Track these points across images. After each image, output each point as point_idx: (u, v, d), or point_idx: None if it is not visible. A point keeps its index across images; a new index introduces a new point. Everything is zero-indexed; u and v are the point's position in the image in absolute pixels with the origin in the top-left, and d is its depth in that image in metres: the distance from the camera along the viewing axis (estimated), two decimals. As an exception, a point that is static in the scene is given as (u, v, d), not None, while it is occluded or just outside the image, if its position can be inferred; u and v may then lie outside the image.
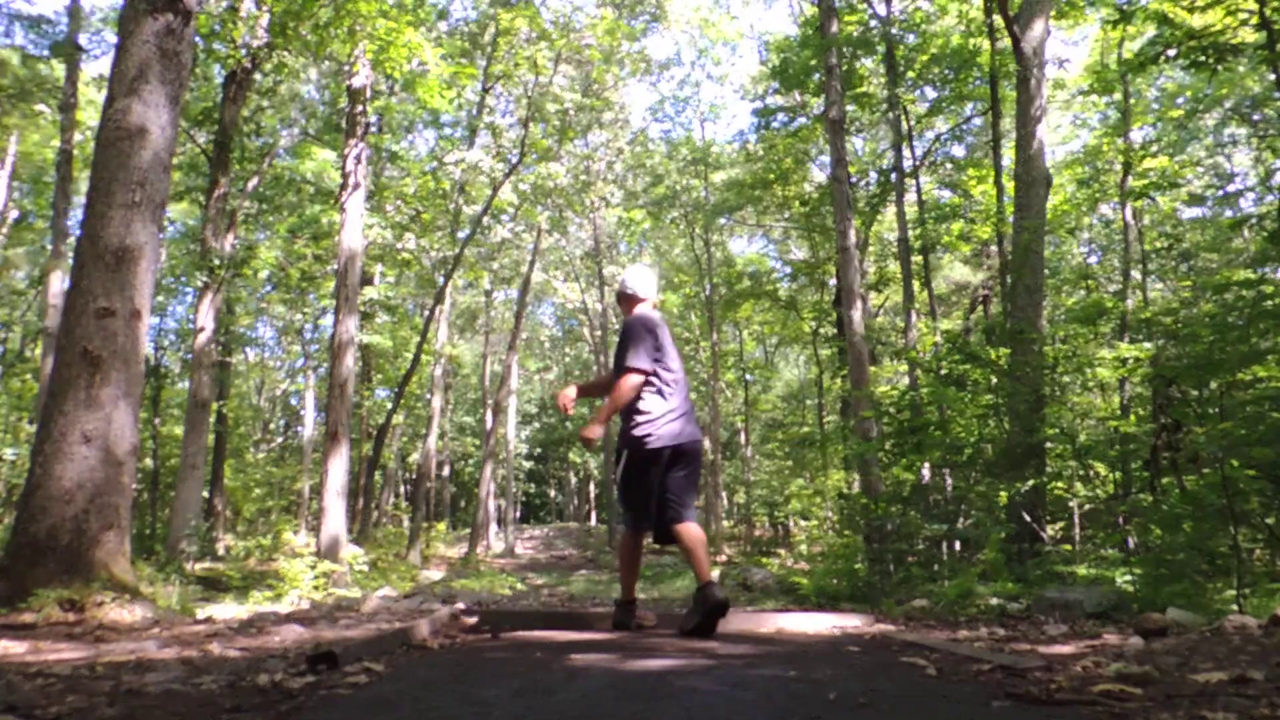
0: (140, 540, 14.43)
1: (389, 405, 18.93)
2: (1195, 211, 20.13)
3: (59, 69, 14.73)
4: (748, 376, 27.28)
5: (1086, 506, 8.50)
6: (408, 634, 3.40)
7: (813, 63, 15.08)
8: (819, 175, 19.90)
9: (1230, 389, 5.70)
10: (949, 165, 19.35)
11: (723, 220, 22.82)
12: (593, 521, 39.52)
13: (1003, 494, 7.23)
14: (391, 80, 14.84)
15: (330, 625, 4.35)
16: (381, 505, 23.29)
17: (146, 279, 4.87)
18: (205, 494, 15.68)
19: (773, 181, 19.36)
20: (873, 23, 15.59)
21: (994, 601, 5.00)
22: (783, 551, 18.08)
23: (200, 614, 5.26)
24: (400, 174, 18.28)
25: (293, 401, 30.95)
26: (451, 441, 31.19)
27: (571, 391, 4.32)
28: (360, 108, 11.93)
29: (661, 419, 3.94)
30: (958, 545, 8.45)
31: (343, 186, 11.75)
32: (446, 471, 29.17)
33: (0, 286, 21.36)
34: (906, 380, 16.33)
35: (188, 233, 19.40)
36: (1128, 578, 5.37)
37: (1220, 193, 20.09)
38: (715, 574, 4.28)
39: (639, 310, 4.21)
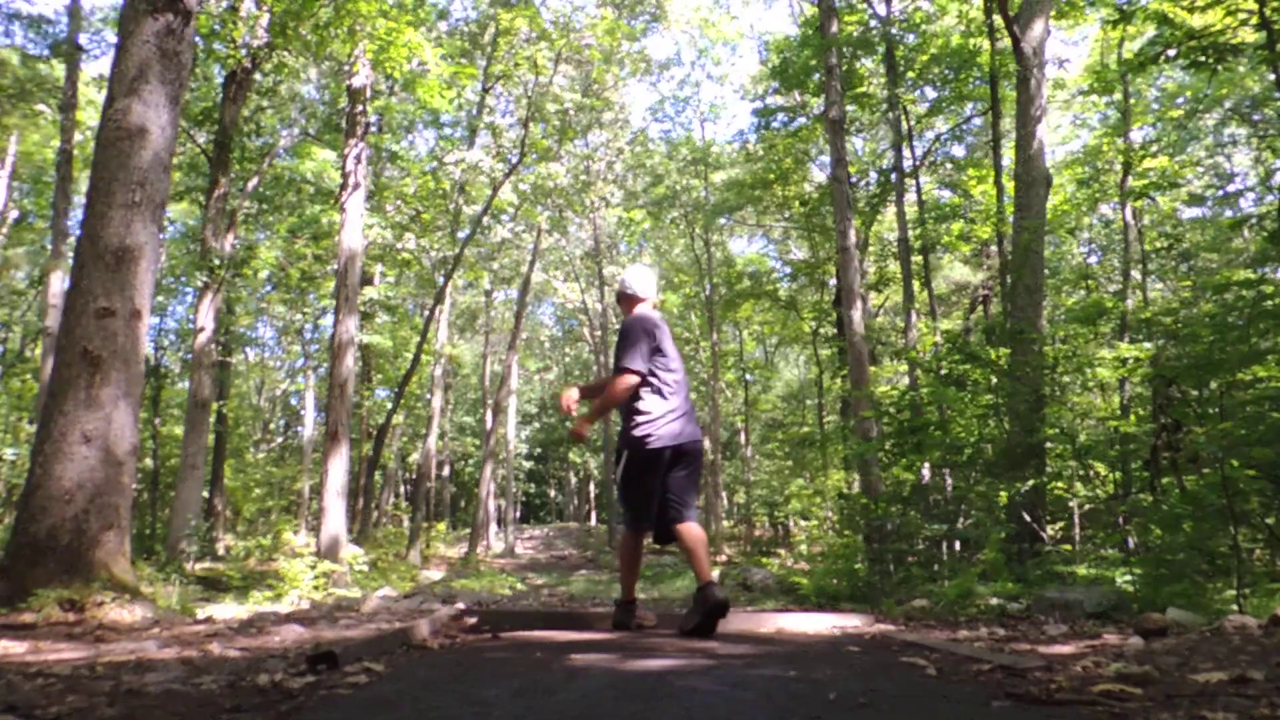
0: (140, 540, 14.44)
1: (389, 405, 18.93)
2: (1195, 211, 20.14)
3: (59, 69, 14.73)
4: (748, 376, 27.28)
5: (1086, 506, 8.50)
6: (408, 634, 3.40)
7: (813, 63, 15.08)
8: (819, 175, 19.90)
9: (1230, 389, 5.70)
10: (949, 165, 19.35)
11: (723, 220, 22.83)
12: (593, 521, 39.52)
13: (1003, 494, 7.23)
14: (391, 80, 14.85)
15: (330, 625, 4.36)
16: (381, 505, 23.29)
17: (146, 279, 4.87)
18: (205, 494, 15.68)
19: (773, 181, 19.37)
20: (873, 23, 15.60)
21: (994, 601, 5.00)
22: (783, 551, 18.08)
23: (200, 614, 5.26)
24: (400, 174, 18.28)
25: (293, 401, 30.96)
26: (451, 441, 31.20)
27: (573, 393, 4.32)
28: (360, 108, 11.93)
29: (662, 419, 3.94)
30: (958, 545, 8.45)
31: (343, 186, 11.75)
32: (446, 471, 29.17)
33: (0, 286, 21.36)
34: (906, 380, 16.33)
35: (188, 233, 19.40)
36: (1128, 578, 5.37)
37: (1220, 193, 20.10)
38: (715, 574, 4.27)
39: (639, 310, 4.20)
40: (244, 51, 11.41)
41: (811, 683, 2.38)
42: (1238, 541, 4.83)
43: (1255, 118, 17.40)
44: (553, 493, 49.57)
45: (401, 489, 30.20)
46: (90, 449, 4.49)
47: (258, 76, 12.58)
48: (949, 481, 9.84)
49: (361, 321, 14.39)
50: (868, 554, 8.22)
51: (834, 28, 12.39)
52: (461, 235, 17.78)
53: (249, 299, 22.05)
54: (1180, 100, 17.39)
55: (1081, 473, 7.64)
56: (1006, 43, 10.58)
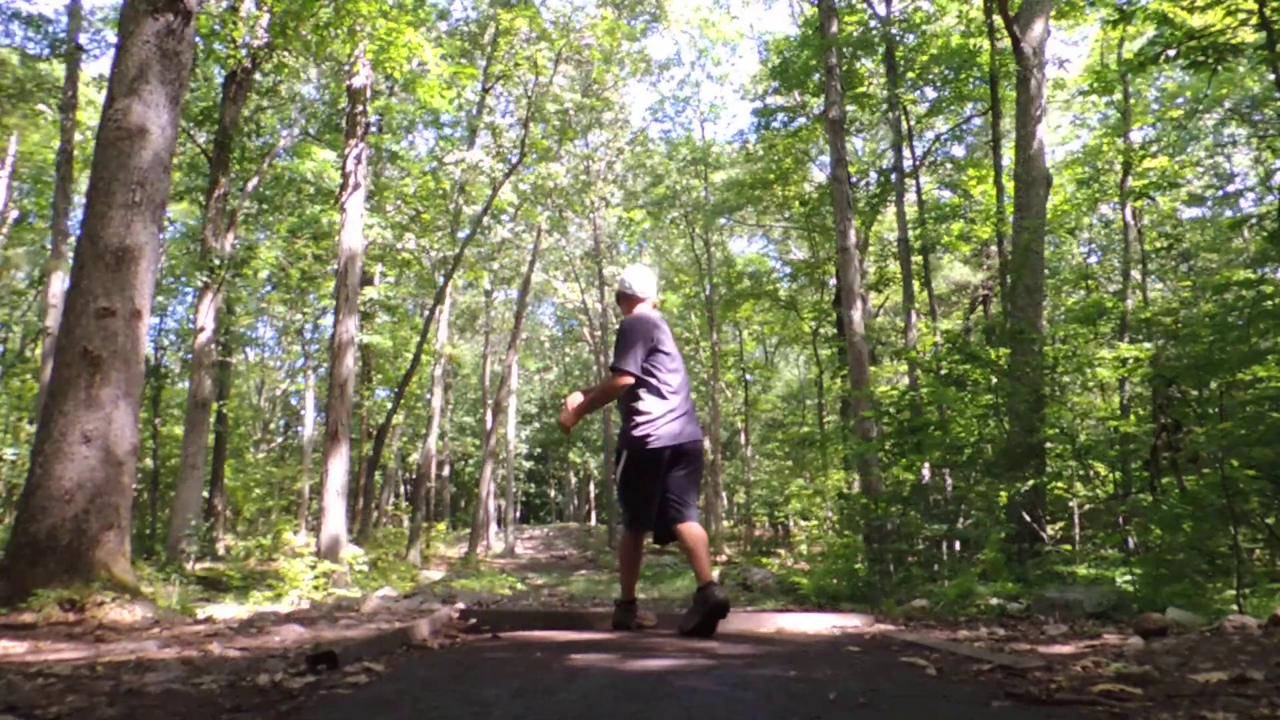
0: (140, 540, 14.44)
1: (389, 405, 18.93)
2: (1195, 211, 20.15)
3: (59, 69, 14.73)
4: (748, 376, 27.29)
5: (1086, 506, 8.50)
6: (408, 634, 3.40)
7: (813, 63, 15.09)
8: (819, 175, 19.91)
9: (1230, 389, 5.69)
10: (949, 165, 19.36)
11: (723, 220, 22.83)
12: (593, 521, 39.53)
13: (1003, 494, 7.23)
14: (391, 80, 14.84)
15: (330, 625, 4.36)
16: (381, 505, 23.29)
17: (146, 279, 4.87)
18: (205, 494, 15.68)
19: (773, 181, 19.37)
20: (873, 23, 15.60)
21: (994, 601, 5.00)
22: (783, 551, 18.08)
23: (200, 614, 5.26)
24: (400, 174, 18.28)
25: (293, 401, 30.96)
26: (451, 441, 31.20)
27: (577, 397, 4.28)
28: (360, 108, 11.93)
29: (661, 419, 3.94)
30: (958, 545, 8.45)
31: (343, 186, 11.75)
32: (446, 471, 29.17)
33: (0, 286, 21.36)
34: (906, 380, 16.33)
35: (188, 233, 19.40)
36: (1128, 578, 5.37)
37: (1220, 193, 20.09)
38: (715, 574, 4.27)
39: (638, 310, 4.21)
40: (244, 51, 11.41)
41: (811, 683, 2.38)
42: (1238, 541, 4.83)
43: (1255, 118, 17.39)
44: (553, 493, 49.58)
45: (401, 489, 30.20)
46: (90, 449, 4.49)
47: (258, 76, 12.58)
48: (949, 481, 9.85)
49: (361, 321, 14.39)
50: (868, 554, 8.22)
51: (834, 28, 12.39)
52: (461, 235, 17.78)
53: (249, 299, 22.05)
54: (1180, 100, 17.39)
55: (1081, 473, 7.64)
56: (1006, 43, 10.58)
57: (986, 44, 13.18)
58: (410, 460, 28.32)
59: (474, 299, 28.86)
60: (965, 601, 5.12)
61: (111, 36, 14.38)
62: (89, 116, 15.56)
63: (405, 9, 11.64)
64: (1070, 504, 8.55)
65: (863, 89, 16.04)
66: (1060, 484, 7.86)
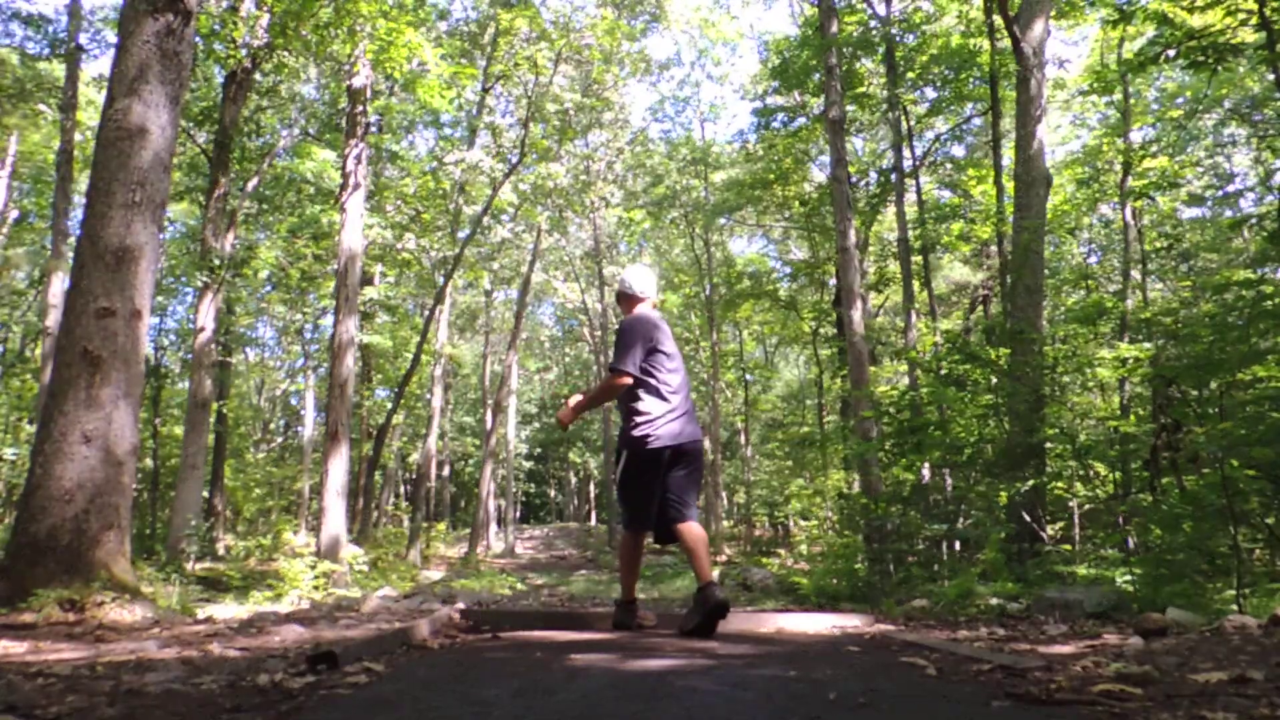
0: (140, 540, 14.43)
1: (389, 405, 18.93)
2: (1195, 211, 20.15)
3: (59, 69, 14.73)
4: (748, 376, 27.29)
5: (1086, 506, 8.49)
6: (408, 634, 3.40)
7: (813, 63, 15.09)
8: (819, 175, 19.91)
9: (1230, 389, 5.69)
10: (949, 165, 19.36)
11: (723, 220, 22.83)
12: (593, 521, 39.54)
13: (1003, 494, 7.23)
14: (391, 80, 14.84)
15: (330, 625, 4.36)
16: (381, 505, 23.29)
17: (146, 279, 4.87)
18: (205, 494, 15.68)
19: (773, 181, 19.37)
20: (873, 23, 15.60)
21: (994, 601, 5.00)
22: (783, 551, 18.08)
23: (200, 614, 5.26)
24: (400, 174, 18.28)
25: (293, 401, 30.96)
26: (451, 441, 31.20)
27: (577, 398, 4.30)
28: (360, 108, 11.93)
29: (661, 419, 3.95)
30: (958, 545, 8.45)
31: (343, 186, 11.75)
32: (446, 471, 29.17)
33: (0, 286, 21.36)
34: (906, 380, 16.33)
35: (188, 233, 19.40)
36: (1128, 578, 5.37)
37: (1220, 193, 20.10)
38: (715, 574, 4.27)
39: (638, 310, 4.21)
40: (244, 51, 11.41)
41: (811, 683, 2.38)
42: (1238, 541, 4.83)
43: (1255, 118, 17.39)
44: (553, 493, 49.58)
45: (401, 489, 30.21)
46: (90, 449, 4.49)
47: (258, 76, 12.58)
48: (949, 481, 9.85)
49: (361, 321, 14.39)
50: (868, 554, 8.22)
51: (834, 28, 12.40)
52: (461, 235, 17.78)
53: (249, 299, 22.04)
54: (1180, 100, 17.39)
55: (1081, 473, 7.64)
56: (1006, 43, 10.58)
57: (986, 44, 13.18)
58: (410, 460, 28.32)
59: (474, 299, 28.86)
60: (965, 601, 5.12)
61: (111, 36, 14.37)
62: (89, 116, 15.56)
63: (405, 9, 11.63)
64: (1070, 504, 8.55)
65: (863, 89, 16.04)
66: (1060, 484, 7.85)
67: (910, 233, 15.47)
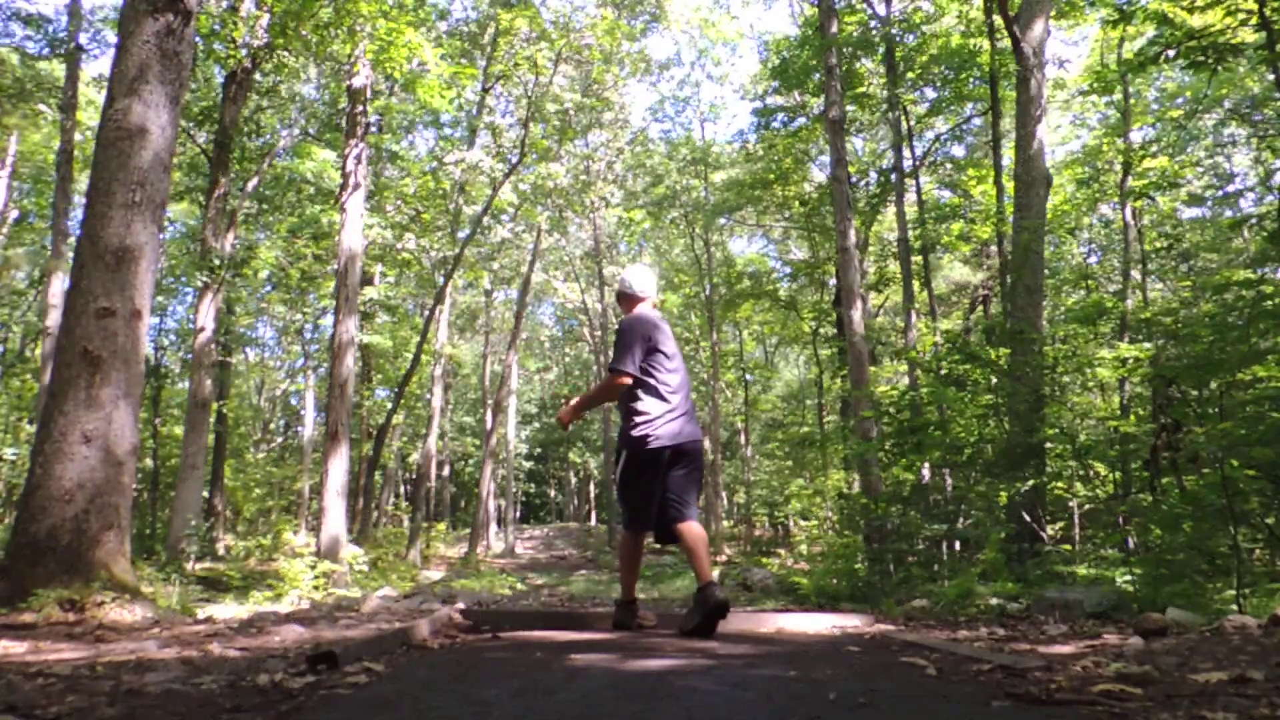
0: (140, 540, 14.44)
1: (389, 405, 18.93)
2: (1195, 211, 20.15)
3: (59, 69, 14.73)
4: (748, 376, 27.29)
5: (1086, 506, 8.50)
6: (408, 634, 3.40)
7: (813, 63, 15.09)
8: (819, 175, 19.91)
9: (1230, 389, 5.69)
10: (949, 165, 19.36)
11: (723, 220, 22.83)
12: (593, 521, 39.54)
13: (1003, 494, 7.23)
14: (391, 80, 14.84)
15: (330, 625, 4.36)
16: (381, 505, 23.30)
17: (146, 279, 4.87)
18: (205, 494, 15.68)
19: (773, 181, 19.37)
20: (873, 23, 15.60)
21: (994, 601, 5.00)
22: (783, 551, 18.08)
23: (200, 614, 5.26)
24: (400, 174, 18.28)
25: (293, 401, 30.96)
26: (451, 441, 31.20)
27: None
28: (360, 108, 11.93)
29: (661, 419, 3.95)
30: (958, 545, 8.45)
31: (343, 186, 11.75)
32: (446, 471, 29.17)
33: (0, 286, 21.36)
34: (906, 380, 16.33)
35: (188, 233, 19.40)
36: (1128, 578, 5.37)
37: (1220, 193, 20.10)
38: (715, 574, 4.27)
39: (638, 310, 4.21)
40: (244, 51, 11.41)
41: (811, 683, 2.38)
42: (1238, 541, 4.83)
43: (1255, 118, 17.39)
44: (553, 493, 49.58)
45: (401, 489, 30.21)
46: (90, 449, 4.49)
47: (258, 76, 12.57)
48: (949, 481, 9.85)
49: (361, 321, 14.39)
50: (868, 554, 8.22)
51: (834, 28, 12.40)
52: (461, 235, 17.78)
53: (249, 299, 22.05)
54: (1180, 100, 17.39)
55: (1081, 473, 7.64)
56: (1006, 43, 10.58)
57: (986, 44, 13.18)
58: (410, 460, 28.33)
59: (474, 299, 28.86)
60: (965, 601, 5.12)
61: (111, 36, 14.38)
62: (89, 116, 15.56)
63: (405, 9, 11.63)
64: (1070, 504, 8.55)
65: (863, 89, 16.04)
66: (1060, 484, 7.85)
67: (910, 233, 15.48)
